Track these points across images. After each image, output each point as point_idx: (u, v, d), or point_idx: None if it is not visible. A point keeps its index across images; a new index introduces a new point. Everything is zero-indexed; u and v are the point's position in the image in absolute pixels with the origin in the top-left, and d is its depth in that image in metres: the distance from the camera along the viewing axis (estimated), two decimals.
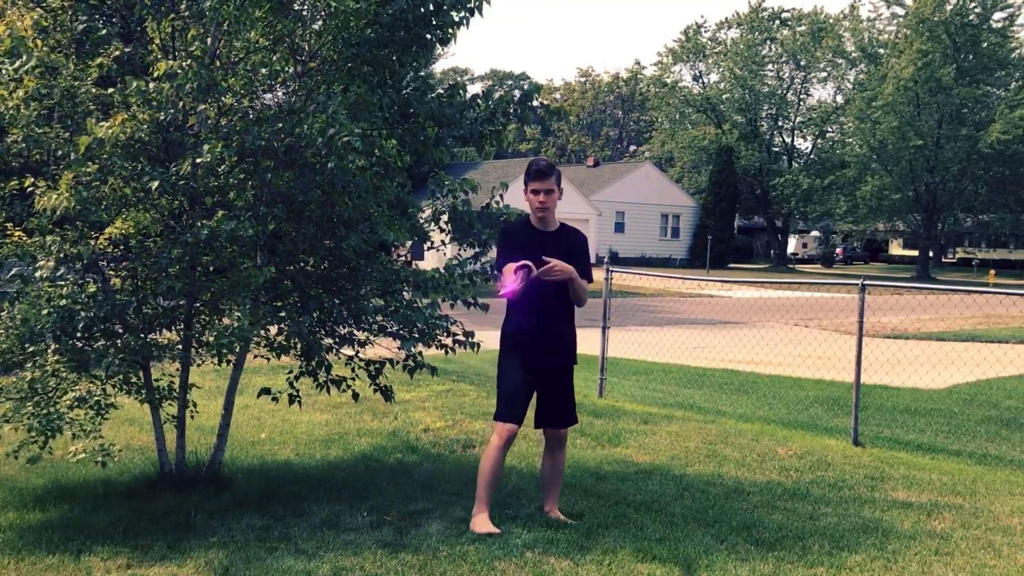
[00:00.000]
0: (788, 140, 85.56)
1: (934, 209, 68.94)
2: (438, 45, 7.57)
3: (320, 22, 7.20)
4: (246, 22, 6.83)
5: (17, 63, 6.48)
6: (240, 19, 6.76)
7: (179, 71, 6.32)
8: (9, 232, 6.69)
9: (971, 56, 67.08)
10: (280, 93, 7.49)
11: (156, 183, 6.30)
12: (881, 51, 73.88)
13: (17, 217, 6.85)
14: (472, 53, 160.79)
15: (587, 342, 17.48)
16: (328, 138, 6.33)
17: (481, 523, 6.62)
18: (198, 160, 6.41)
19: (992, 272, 59.75)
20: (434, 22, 7.32)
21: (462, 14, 7.40)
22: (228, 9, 6.64)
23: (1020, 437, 11.15)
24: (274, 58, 7.28)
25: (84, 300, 6.57)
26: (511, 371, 6.91)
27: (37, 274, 6.43)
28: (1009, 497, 8.22)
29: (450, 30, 7.40)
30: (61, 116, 6.64)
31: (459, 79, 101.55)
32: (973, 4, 66.85)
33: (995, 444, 10.71)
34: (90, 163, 6.33)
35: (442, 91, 7.99)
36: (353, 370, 7.98)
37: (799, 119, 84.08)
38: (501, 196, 7.87)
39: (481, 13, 7.47)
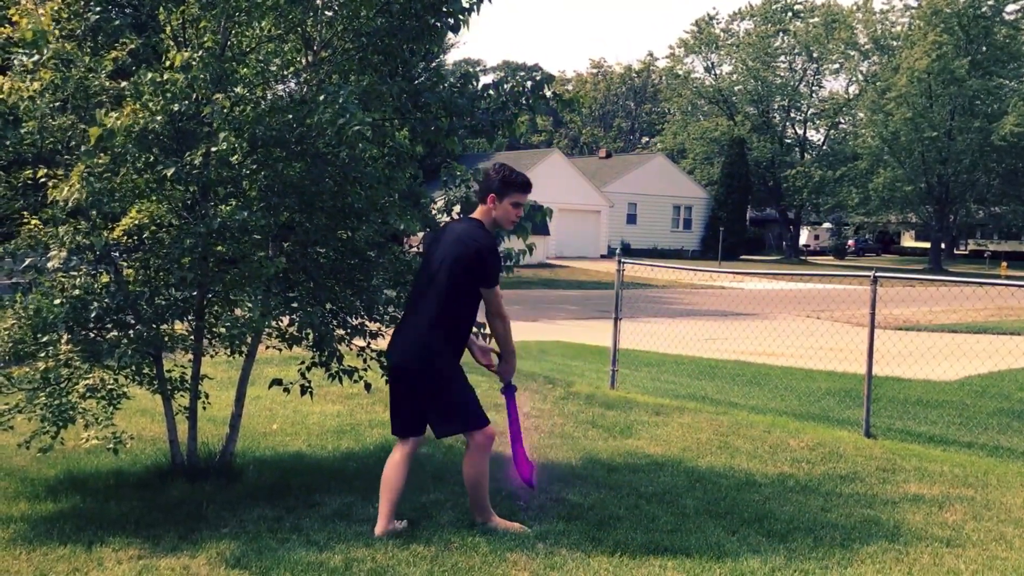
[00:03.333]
0: (800, 132, 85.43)
1: (946, 201, 68.83)
2: (449, 33, 7.55)
3: (331, 11, 7.20)
4: (256, 13, 6.82)
5: (35, 56, 6.49)
6: (251, 10, 6.75)
7: (193, 62, 6.31)
8: (24, 222, 6.70)
9: (984, 48, 67.00)
10: (292, 83, 7.49)
11: (171, 170, 6.29)
12: (894, 43, 73.80)
13: (31, 207, 6.85)
14: (484, 44, 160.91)
15: (599, 333, 17.49)
16: (338, 128, 6.32)
17: (505, 524, 6.53)
18: (212, 150, 6.41)
19: (1004, 264, 59.57)
20: (444, 9, 7.30)
21: (471, 1, 7.39)
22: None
23: None
24: (286, 48, 7.28)
25: (97, 291, 6.59)
26: (463, 378, 6.56)
27: (50, 264, 6.44)
28: (1021, 489, 8.20)
29: (460, 16, 7.39)
30: (75, 107, 6.64)
31: (471, 69, 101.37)
32: None
33: (1007, 436, 10.68)
34: (102, 154, 6.33)
35: (454, 80, 7.98)
36: (365, 360, 7.98)
37: (811, 111, 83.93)
38: None
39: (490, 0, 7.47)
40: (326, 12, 7.21)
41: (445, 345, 6.42)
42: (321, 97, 6.48)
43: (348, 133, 6.34)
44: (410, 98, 7.57)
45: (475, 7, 7.44)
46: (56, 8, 6.74)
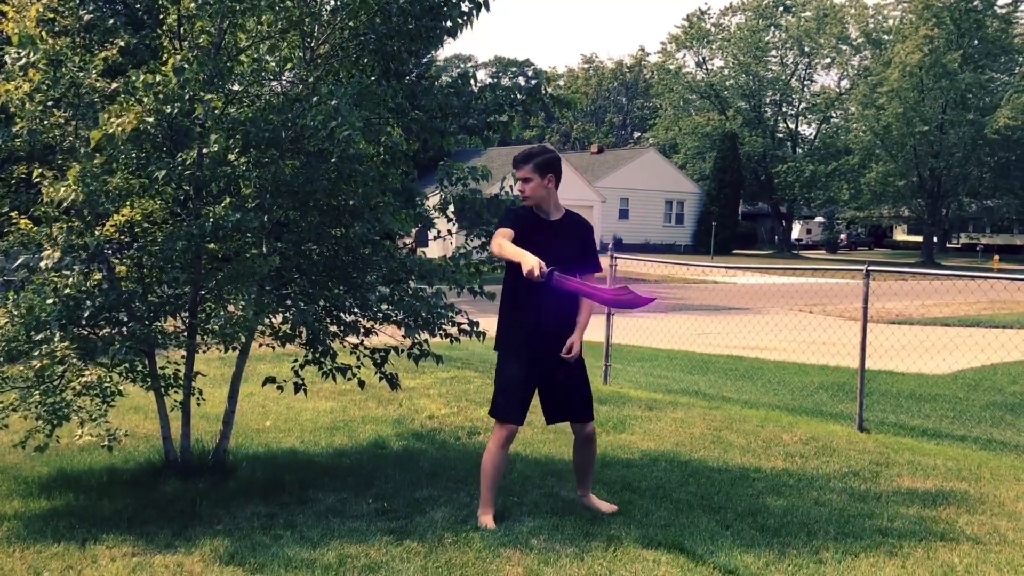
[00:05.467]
0: (792, 126, 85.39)
1: (938, 195, 68.85)
2: (446, 36, 7.54)
3: (328, 11, 7.19)
4: (253, 11, 6.80)
5: (23, 59, 6.46)
6: (247, 10, 6.73)
7: (186, 65, 6.29)
8: (15, 221, 6.68)
9: (976, 41, 66.98)
10: (285, 81, 7.48)
11: (163, 172, 6.30)
12: (885, 37, 73.81)
13: (23, 206, 6.83)
14: (476, 39, 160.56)
15: (591, 329, 17.44)
16: (329, 131, 6.32)
17: (490, 523, 6.53)
18: (205, 151, 6.40)
19: (996, 257, 59.63)
20: (443, 11, 7.31)
21: (470, 7, 7.39)
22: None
23: None
24: (284, 45, 7.27)
25: (90, 289, 6.57)
26: (513, 366, 6.71)
27: (42, 264, 6.42)
28: (1014, 482, 8.21)
29: (460, 20, 7.39)
30: (68, 105, 6.61)
31: (463, 66, 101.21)
32: None
33: (1000, 429, 10.70)
34: (98, 155, 6.32)
35: (448, 80, 7.97)
36: (358, 358, 7.98)
37: (803, 105, 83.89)
38: (511, 186, 7.78)
39: (488, 8, 7.47)
40: (324, 10, 7.20)
41: (500, 325, 6.84)
42: (314, 99, 6.47)
43: (339, 136, 6.33)
44: (407, 98, 7.56)
45: (475, 12, 7.44)
46: (44, 9, 6.71)
